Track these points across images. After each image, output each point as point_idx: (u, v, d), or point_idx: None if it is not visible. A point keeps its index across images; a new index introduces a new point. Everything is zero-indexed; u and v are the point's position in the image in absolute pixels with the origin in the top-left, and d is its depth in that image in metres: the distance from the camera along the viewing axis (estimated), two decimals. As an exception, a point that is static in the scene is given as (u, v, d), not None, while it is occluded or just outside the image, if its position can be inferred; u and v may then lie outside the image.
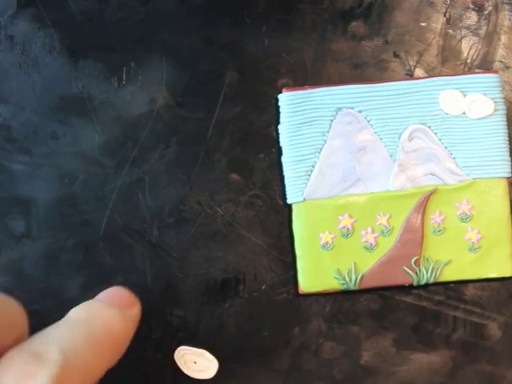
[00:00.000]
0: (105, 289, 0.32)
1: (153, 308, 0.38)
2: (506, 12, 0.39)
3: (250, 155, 0.38)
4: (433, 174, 0.37)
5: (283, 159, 0.38)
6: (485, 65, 0.38)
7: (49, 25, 0.38)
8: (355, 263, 0.37)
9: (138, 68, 0.38)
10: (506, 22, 0.39)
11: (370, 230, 0.37)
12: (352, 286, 0.37)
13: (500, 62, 0.39)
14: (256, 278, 0.38)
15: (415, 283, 0.37)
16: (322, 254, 0.37)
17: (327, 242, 0.37)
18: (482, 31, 0.39)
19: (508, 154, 0.37)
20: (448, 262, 0.37)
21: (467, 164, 0.37)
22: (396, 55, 0.39)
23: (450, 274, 0.37)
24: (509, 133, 0.37)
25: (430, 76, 0.38)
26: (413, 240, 0.37)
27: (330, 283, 0.37)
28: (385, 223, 0.37)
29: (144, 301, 0.38)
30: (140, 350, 0.38)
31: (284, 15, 0.38)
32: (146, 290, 0.38)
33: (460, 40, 0.39)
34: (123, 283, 0.38)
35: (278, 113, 0.38)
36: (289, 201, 0.38)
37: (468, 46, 0.39)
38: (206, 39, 0.38)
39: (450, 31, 0.39)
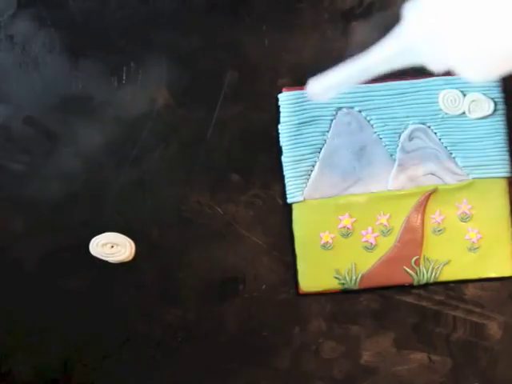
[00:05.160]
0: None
1: (153, 308, 0.38)
2: (506, 12, 0.39)
3: (250, 155, 0.38)
4: (433, 174, 0.37)
5: (283, 159, 0.38)
6: (485, 65, 0.38)
7: (49, 25, 0.38)
8: (355, 263, 0.37)
9: (138, 68, 0.38)
10: (506, 22, 0.39)
11: (370, 229, 0.37)
12: (352, 286, 0.37)
13: (500, 61, 0.39)
14: (256, 278, 0.38)
15: (415, 283, 0.37)
16: (322, 253, 0.37)
17: (327, 242, 0.37)
18: (482, 31, 0.39)
19: (508, 153, 0.37)
20: (448, 262, 0.37)
21: (467, 164, 0.37)
22: (396, 55, 0.38)
23: (449, 274, 0.37)
24: (509, 133, 0.37)
25: (429, 76, 0.38)
26: (413, 240, 0.37)
27: (330, 283, 0.37)
28: (385, 223, 0.37)
29: (144, 301, 0.38)
30: (140, 350, 0.38)
31: (284, 15, 0.38)
32: (146, 289, 0.38)
33: (460, 40, 0.39)
34: (123, 283, 0.38)
35: (278, 113, 0.38)
36: (289, 201, 0.38)
37: (468, 46, 0.38)
38: (206, 39, 0.38)
39: (450, 31, 0.39)
